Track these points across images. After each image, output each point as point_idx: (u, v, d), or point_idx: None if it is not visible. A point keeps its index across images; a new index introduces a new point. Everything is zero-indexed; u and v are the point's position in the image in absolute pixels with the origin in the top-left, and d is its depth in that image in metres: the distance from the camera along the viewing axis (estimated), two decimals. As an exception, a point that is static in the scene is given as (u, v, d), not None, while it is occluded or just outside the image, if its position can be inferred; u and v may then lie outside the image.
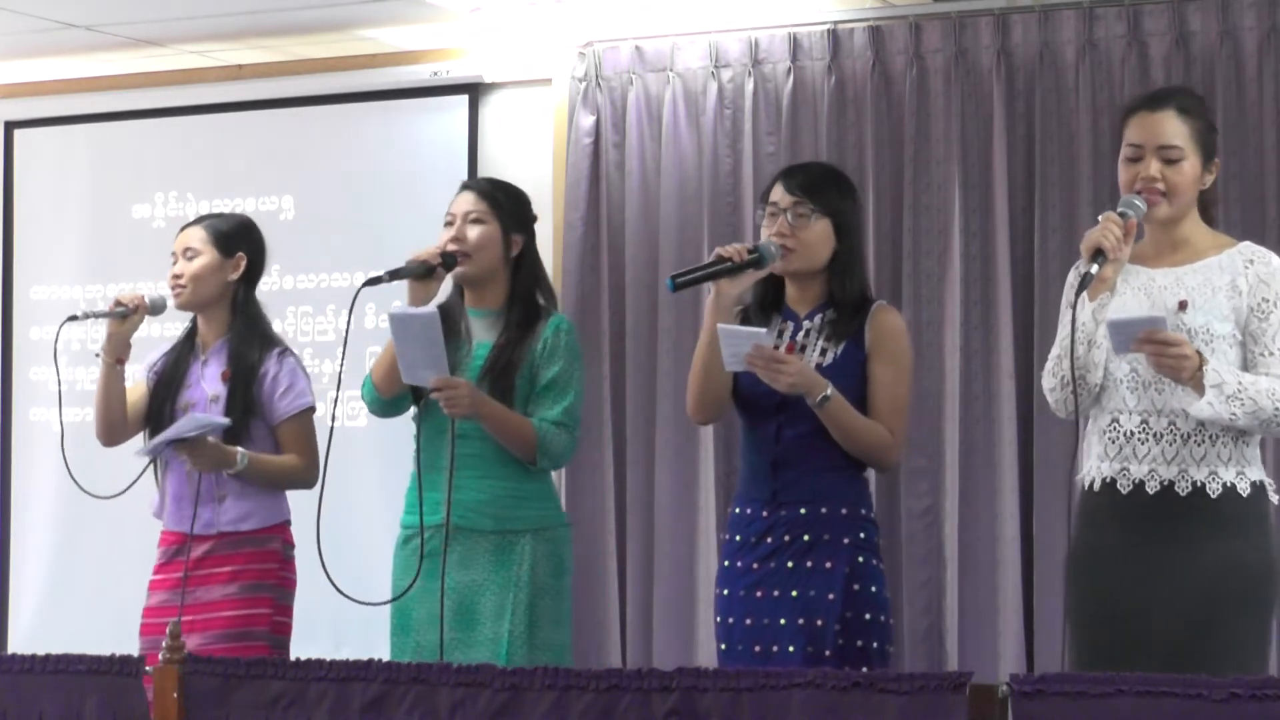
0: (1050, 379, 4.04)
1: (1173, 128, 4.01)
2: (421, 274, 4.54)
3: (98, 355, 5.01)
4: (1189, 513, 3.94)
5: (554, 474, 4.82)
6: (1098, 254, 3.88)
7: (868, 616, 4.29)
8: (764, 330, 4.28)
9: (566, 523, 4.74)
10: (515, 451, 4.58)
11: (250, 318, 5.09)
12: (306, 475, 5.04)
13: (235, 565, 4.94)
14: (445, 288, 4.71)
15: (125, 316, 5.00)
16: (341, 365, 4.65)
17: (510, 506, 4.59)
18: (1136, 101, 4.16)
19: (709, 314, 4.37)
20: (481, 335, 4.66)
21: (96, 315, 5.01)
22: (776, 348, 4.35)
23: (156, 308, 5.07)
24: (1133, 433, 3.99)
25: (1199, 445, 3.94)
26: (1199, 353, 3.86)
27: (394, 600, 4.59)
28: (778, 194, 4.42)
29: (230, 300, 5.08)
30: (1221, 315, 3.96)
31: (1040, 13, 6.18)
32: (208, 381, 5.02)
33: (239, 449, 4.90)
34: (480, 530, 4.55)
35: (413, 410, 4.71)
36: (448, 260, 4.58)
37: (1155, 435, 3.97)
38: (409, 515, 4.68)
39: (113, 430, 5.07)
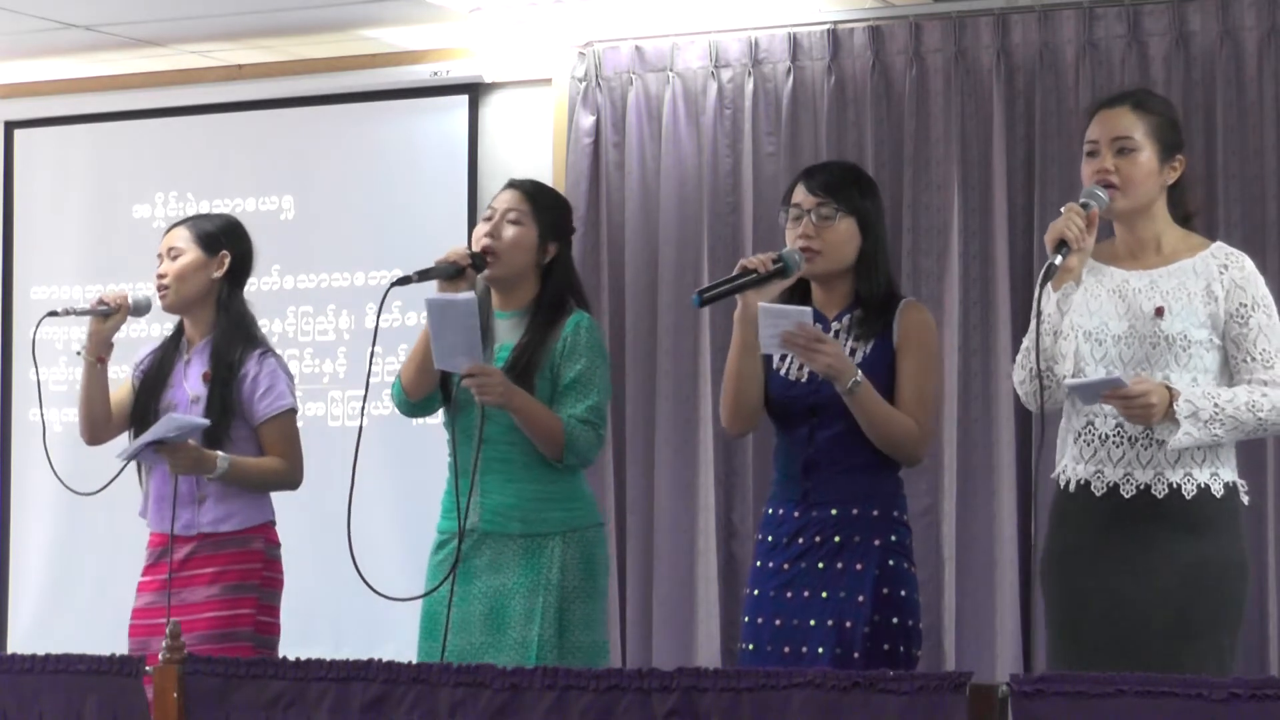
0: (1020, 372, 4.05)
1: (1127, 121, 4.03)
2: (451, 275, 4.46)
3: (78, 354, 4.99)
4: (1164, 515, 3.94)
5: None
6: (1061, 245, 3.90)
7: (895, 621, 4.25)
8: (808, 309, 4.19)
9: (600, 522, 4.67)
10: (542, 448, 4.50)
11: (235, 317, 5.03)
12: (289, 477, 5.01)
13: (217, 566, 4.90)
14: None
15: (107, 315, 4.98)
16: (370, 367, 4.56)
17: (538, 509, 4.52)
18: (1096, 103, 4.21)
19: (738, 327, 4.28)
20: (505, 337, 4.58)
21: (77, 313, 5.00)
22: None
23: (140, 308, 5.05)
24: (1108, 435, 3.99)
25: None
26: (1168, 387, 3.86)
27: (423, 596, 4.52)
28: (800, 195, 4.37)
29: (215, 299, 5.04)
30: (1198, 321, 3.96)
31: (1040, 13, 6.18)
32: (190, 382, 4.99)
33: (219, 453, 4.85)
34: (509, 534, 4.50)
35: (443, 416, 4.65)
36: (477, 261, 4.50)
37: (1130, 439, 3.97)
38: (445, 521, 4.61)
39: (95, 429, 5.05)
